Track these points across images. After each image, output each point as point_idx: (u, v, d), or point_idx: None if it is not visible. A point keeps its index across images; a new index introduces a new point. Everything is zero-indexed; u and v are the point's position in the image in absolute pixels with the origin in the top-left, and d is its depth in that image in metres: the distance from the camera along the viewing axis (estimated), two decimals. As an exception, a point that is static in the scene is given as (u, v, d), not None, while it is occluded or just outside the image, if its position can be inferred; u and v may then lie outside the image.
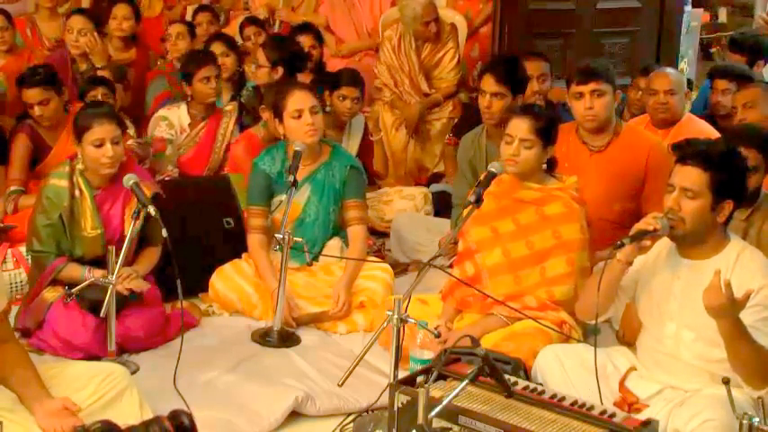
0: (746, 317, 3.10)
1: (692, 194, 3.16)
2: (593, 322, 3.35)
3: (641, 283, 3.38)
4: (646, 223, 3.20)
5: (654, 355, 3.34)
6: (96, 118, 4.02)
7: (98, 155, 4.00)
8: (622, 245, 3.21)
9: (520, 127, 3.88)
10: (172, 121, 5.41)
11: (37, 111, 4.88)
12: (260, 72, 5.73)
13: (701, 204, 3.16)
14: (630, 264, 3.28)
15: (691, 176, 3.17)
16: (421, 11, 6.48)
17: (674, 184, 3.21)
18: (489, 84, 4.80)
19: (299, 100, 4.46)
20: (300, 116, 4.45)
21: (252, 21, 6.95)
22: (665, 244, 3.33)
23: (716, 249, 3.23)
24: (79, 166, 4.10)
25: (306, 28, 6.60)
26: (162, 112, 5.49)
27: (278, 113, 4.53)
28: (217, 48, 5.95)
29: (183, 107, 5.44)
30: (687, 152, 3.24)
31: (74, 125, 4.09)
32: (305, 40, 6.33)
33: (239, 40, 6.65)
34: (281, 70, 5.71)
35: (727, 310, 2.95)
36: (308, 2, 7.54)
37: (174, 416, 2.90)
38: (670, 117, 5.04)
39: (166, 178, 5.20)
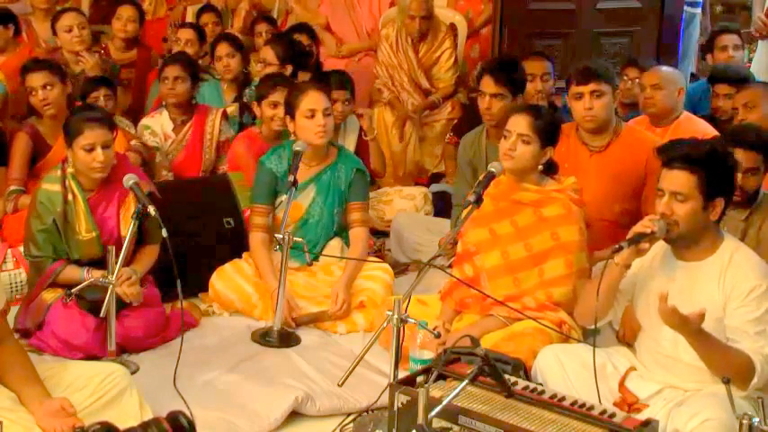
0: (736, 317, 3.13)
1: (682, 197, 3.17)
2: (594, 326, 3.36)
3: (638, 286, 3.38)
4: (643, 226, 3.20)
5: (653, 355, 3.34)
6: (87, 122, 3.99)
7: (89, 159, 3.99)
8: (620, 248, 3.21)
9: (518, 122, 3.88)
10: (154, 129, 5.40)
11: (40, 95, 4.84)
12: (268, 70, 5.72)
13: (692, 206, 3.17)
14: (629, 267, 3.29)
15: (679, 180, 3.18)
16: (410, 3, 6.49)
17: (664, 188, 3.21)
18: (488, 85, 4.81)
19: (313, 100, 4.47)
20: (313, 116, 4.45)
21: (263, 18, 6.96)
22: (660, 247, 3.33)
23: (710, 250, 3.24)
24: (70, 170, 4.08)
25: (301, 27, 6.62)
26: (145, 120, 5.49)
27: (290, 111, 4.53)
28: (222, 49, 5.97)
29: (165, 113, 5.43)
30: (672, 155, 3.23)
31: (65, 129, 4.07)
32: (300, 39, 6.34)
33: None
34: (290, 68, 5.72)
35: (683, 329, 3.02)
36: (304, 2, 7.55)
37: (173, 417, 2.90)
38: (658, 111, 5.06)
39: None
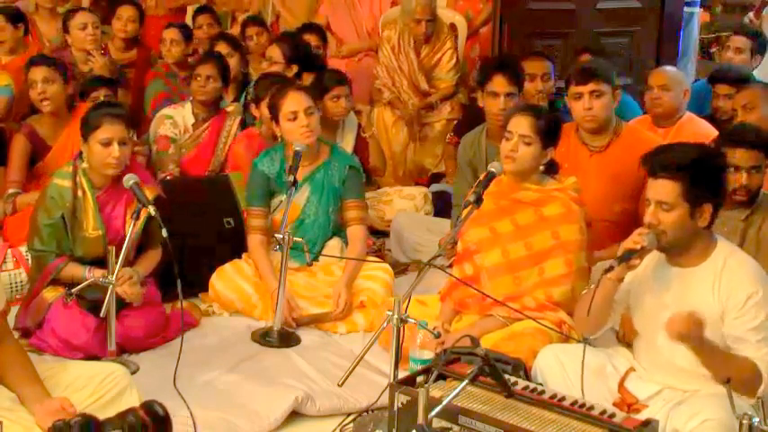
0: (737, 327, 3.12)
1: (667, 207, 3.14)
2: (592, 337, 3.37)
3: (633, 294, 3.37)
4: (633, 242, 3.17)
5: (651, 360, 3.33)
6: (106, 117, 4.02)
7: (105, 154, 4.00)
8: (611, 269, 3.19)
9: (521, 123, 3.88)
10: (176, 120, 5.40)
11: (39, 87, 4.83)
12: (274, 69, 5.71)
13: (678, 215, 3.14)
14: (622, 280, 3.27)
15: (663, 189, 3.15)
16: (415, 7, 6.49)
17: (650, 198, 3.19)
18: (503, 85, 4.79)
19: (294, 102, 4.46)
20: (296, 118, 4.45)
21: (253, 20, 6.96)
22: (654, 254, 3.30)
23: (703, 256, 3.22)
24: (83, 165, 4.10)
25: (312, 27, 6.61)
26: (167, 110, 5.48)
27: (274, 115, 4.53)
28: (220, 48, 5.96)
29: (188, 107, 5.44)
30: (656, 164, 3.20)
31: (83, 123, 4.09)
32: (310, 39, 6.34)
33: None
34: (295, 68, 5.70)
35: (690, 339, 3.03)
36: (289, 7, 7.53)
37: (148, 405, 2.90)
38: (664, 112, 5.04)
39: (168, 177, 5.21)
